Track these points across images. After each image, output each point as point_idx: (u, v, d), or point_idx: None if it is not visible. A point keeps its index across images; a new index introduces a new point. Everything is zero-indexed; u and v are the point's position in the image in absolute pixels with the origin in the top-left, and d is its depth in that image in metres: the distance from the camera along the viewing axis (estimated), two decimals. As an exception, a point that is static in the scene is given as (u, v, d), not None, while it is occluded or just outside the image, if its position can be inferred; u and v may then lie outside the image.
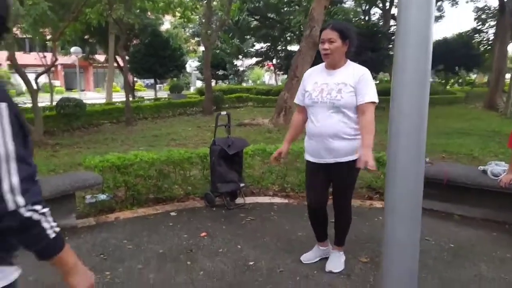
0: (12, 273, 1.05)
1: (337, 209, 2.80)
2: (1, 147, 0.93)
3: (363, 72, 2.54)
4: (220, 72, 27.42)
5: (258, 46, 29.90)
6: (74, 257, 1.09)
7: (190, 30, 29.59)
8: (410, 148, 1.31)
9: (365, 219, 3.88)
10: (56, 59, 12.15)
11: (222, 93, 16.37)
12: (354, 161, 2.48)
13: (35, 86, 11.20)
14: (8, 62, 8.81)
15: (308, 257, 2.98)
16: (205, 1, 15.40)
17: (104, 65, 25.84)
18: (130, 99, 19.33)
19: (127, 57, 20.88)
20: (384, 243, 1.44)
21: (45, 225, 0.99)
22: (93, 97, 26.71)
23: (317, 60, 12.27)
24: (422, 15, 1.25)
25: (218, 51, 25.07)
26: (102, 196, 4.19)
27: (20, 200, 0.94)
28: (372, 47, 13.80)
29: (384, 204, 1.48)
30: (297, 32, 21.66)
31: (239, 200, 4.32)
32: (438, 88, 23.75)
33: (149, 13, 21.84)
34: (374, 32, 15.79)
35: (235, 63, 29.31)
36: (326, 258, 2.92)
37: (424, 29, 1.26)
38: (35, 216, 0.97)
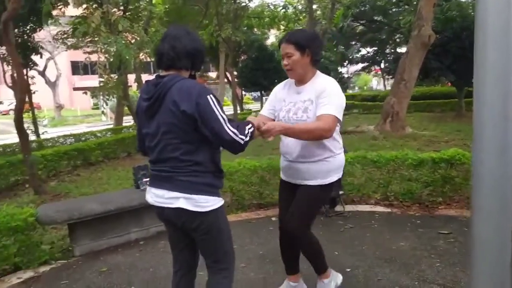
0: (220, 201, 1.87)
1: (293, 234, 2.40)
2: (222, 116, 1.76)
3: (325, 85, 2.24)
4: (325, 81, 27.28)
5: (364, 51, 29.08)
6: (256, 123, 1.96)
7: (295, 42, 30.12)
8: (495, 143, 1.25)
9: None
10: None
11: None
12: (324, 186, 2.29)
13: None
14: (135, 84, 10.08)
15: None
16: (308, 12, 15.59)
17: (216, 81, 27.82)
18: (239, 111, 20.53)
19: (235, 72, 22.30)
20: (471, 243, 1.37)
21: (251, 134, 1.86)
22: (207, 111, 28.82)
23: (426, 62, 11.51)
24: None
25: (321, 59, 25.04)
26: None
27: (241, 137, 1.78)
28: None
29: (471, 203, 1.41)
30: (407, 33, 20.58)
31: (338, 208, 4.32)
32: None
33: (255, 29, 23.06)
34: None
35: (339, 71, 28.93)
36: None
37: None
38: (247, 139, 1.82)
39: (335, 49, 25.89)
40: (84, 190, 6.45)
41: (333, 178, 2.32)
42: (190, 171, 1.80)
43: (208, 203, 1.81)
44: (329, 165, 2.30)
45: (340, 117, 2.20)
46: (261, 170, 4.54)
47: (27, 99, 12.46)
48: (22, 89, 5.58)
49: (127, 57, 7.63)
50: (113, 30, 8.28)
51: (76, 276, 3.12)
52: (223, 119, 1.75)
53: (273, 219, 4.21)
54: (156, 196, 1.87)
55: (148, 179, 3.95)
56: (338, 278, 2.63)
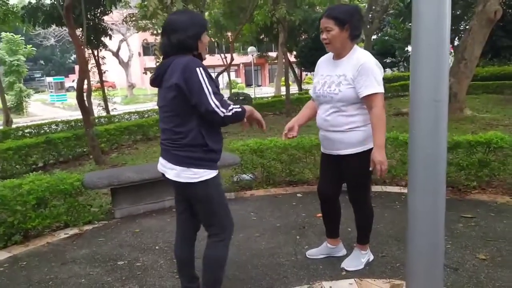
0: (210, 173, 2.04)
1: (352, 204, 2.65)
2: (208, 88, 1.90)
3: (364, 61, 2.31)
4: (388, 60, 26.13)
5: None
6: (249, 109, 2.13)
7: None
8: (430, 126, 1.30)
9: (505, 217, 3.44)
10: (233, 59, 13.88)
11: (385, 81, 15.68)
12: (361, 153, 2.38)
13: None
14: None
15: (312, 253, 2.90)
16: (369, -12, 14.97)
17: (275, 61, 27.81)
18: (297, 91, 20.45)
19: (294, 52, 22.10)
20: (408, 218, 1.44)
21: (235, 113, 1.98)
22: (267, 91, 29.13)
23: (496, 39, 10.56)
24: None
25: (387, 37, 23.94)
26: (245, 176, 4.86)
27: (223, 110, 1.93)
28: None
29: (408, 179, 1.47)
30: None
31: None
32: None
33: (317, 8, 22.54)
34: None
35: (406, 49, 27.47)
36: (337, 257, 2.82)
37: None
38: (229, 114, 1.95)
39: (402, 26, 24.57)
40: (139, 161, 7.06)
41: (369, 145, 2.38)
42: (181, 145, 2.00)
43: (196, 175, 2.01)
44: (360, 135, 2.40)
45: (382, 89, 2.33)
46: (291, 149, 4.67)
47: (98, 78, 13.70)
48: (82, 69, 6.18)
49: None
50: (169, 12, 8.72)
51: (112, 235, 3.55)
52: (208, 90, 1.90)
53: (299, 195, 4.37)
54: (161, 164, 2.16)
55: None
56: (371, 256, 2.80)
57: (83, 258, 3.12)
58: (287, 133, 2.61)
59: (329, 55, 2.55)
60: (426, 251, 1.42)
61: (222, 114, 1.92)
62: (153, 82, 2.10)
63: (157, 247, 3.25)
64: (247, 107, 2.12)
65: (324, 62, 2.58)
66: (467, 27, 24.43)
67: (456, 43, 27.00)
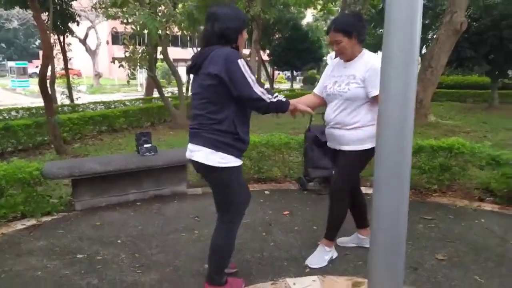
0: (235, 161, 2.10)
1: (331, 195, 2.77)
2: (250, 78, 1.98)
3: (372, 63, 2.48)
4: (359, 64, 26.68)
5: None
6: (293, 102, 2.28)
7: (332, 22, 29.47)
8: (397, 128, 1.33)
9: (463, 219, 3.57)
10: (204, 53, 13.69)
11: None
12: (358, 152, 2.54)
13: (185, 78, 12.96)
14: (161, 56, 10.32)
15: (343, 241, 3.04)
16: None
17: (248, 58, 27.78)
18: (268, 90, 20.54)
19: (267, 51, 22.21)
20: (372, 213, 1.47)
21: (281, 101, 2.10)
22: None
23: (461, 50, 10.99)
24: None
25: (359, 42, 24.38)
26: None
27: (269, 96, 2.03)
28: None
29: (374, 180, 1.50)
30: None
31: (332, 187, 4.40)
32: None
33: (292, 8, 22.71)
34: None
35: (376, 54, 28.16)
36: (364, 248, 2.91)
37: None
38: (274, 100, 2.06)
39: (373, 32, 25.15)
40: (103, 153, 6.83)
41: (368, 145, 2.54)
42: (212, 130, 2.07)
43: (223, 160, 2.07)
44: (361, 133, 2.55)
45: None
46: (261, 146, 4.66)
47: (63, 65, 13.18)
48: (46, 55, 5.91)
49: (151, 29, 7.85)
50: (141, 1, 8.51)
51: (72, 227, 3.42)
52: (252, 80, 2.00)
53: (266, 192, 4.37)
54: (189, 150, 2.21)
55: (148, 145, 4.18)
56: (335, 253, 2.86)
57: (40, 250, 2.98)
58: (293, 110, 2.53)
59: (337, 60, 2.76)
60: (389, 250, 1.45)
61: (268, 100, 2.03)
62: (190, 70, 2.16)
63: (119, 241, 3.15)
64: (292, 101, 2.25)
65: (336, 64, 2.76)
66: (434, 36, 25.45)
67: (423, 51, 28.08)
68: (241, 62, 1.98)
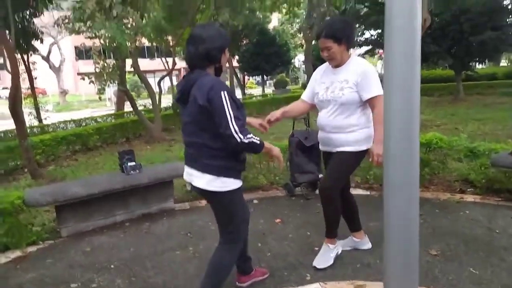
0: (235, 184, 2.12)
1: (322, 195, 2.79)
2: (230, 112, 1.94)
3: (363, 68, 2.57)
4: (327, 64, 27.17)
5: (367, 34, 28.72)
6: (268, 146, 2.15)
7: (297, 25, 29.91)
8: (403, 128, 1.36)
9: (449, 212, 3.69)
10: (175, 63, 13.58)
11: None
12: (353, 152, 2.61)
13: (157, 89, 12.78)
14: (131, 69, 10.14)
15: (340, 243, 3.05)
16: (308, -6, 15.44)
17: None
18: (241, 96, 20.55)
19: (236, 57, 22.23)
20: (384, 216, 1.50)
21: (252, 143, 1.99)
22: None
23: (424, 45, 11.39)
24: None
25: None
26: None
27: (241, 136, 1.95)
28: (492, 26, 12.06)
29: (383, 185, 1.54)
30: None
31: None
32: None
33: (258, 13, 22.86)
34: (494, 8, 13.49)
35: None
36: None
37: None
38: (245, 141, 1.96)
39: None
40: (80, 174, 6.64)
41: (362, 147, 2.63)
42: (211, 156, 2.07)
43: (225, 184, 2.09)
44: (358, 135, 2.63)
45: (382, 91, 2.47)
46: (247, 154, 4.65)
47: (29, 84, 12.72)
48: (14, 76, 5.69)
49: (121, 43, 7.71)
50: (108, 15, 8.34)
51: (61, 255, 3.30)
52: (230, 115, 1.96)
53: (255, 201, 4.37)
54: (187, 173, 2.22)
55: (133, 163, 4.10)
56: (339, 249, 2.95)
57: (30, 283, 2.86)
58: (270, 119, 2.73)
59: (325, 65, 2.80)
60: (403, 250, 1.47)
61: (238, 140, 1.96)
62: (179, 100, 2.17)
63: (112, 266, 3.07)
64: (267, 144, 2.16)
65: (323, 71, 2.80)
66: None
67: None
68: (224, 94, 1.97)
